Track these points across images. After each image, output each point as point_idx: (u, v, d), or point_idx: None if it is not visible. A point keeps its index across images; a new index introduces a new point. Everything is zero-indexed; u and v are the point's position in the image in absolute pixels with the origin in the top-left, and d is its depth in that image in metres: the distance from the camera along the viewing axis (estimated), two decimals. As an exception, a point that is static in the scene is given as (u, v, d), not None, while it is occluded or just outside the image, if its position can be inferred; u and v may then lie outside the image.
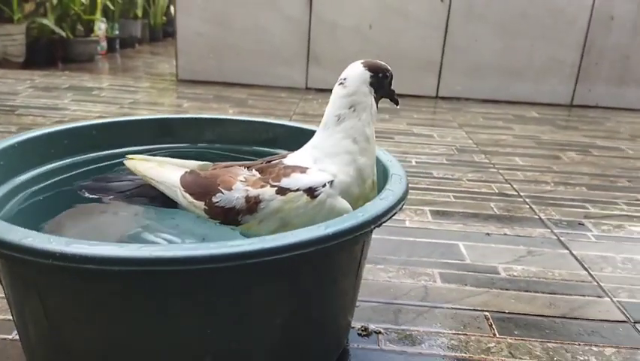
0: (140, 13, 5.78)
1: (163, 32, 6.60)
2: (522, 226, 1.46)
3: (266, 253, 0.56)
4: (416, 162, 1.97)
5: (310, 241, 0.59)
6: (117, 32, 5.22)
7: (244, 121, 1.12)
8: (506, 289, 1.13)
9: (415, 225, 1.42)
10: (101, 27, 4.74)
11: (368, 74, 0.84)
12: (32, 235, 0.56)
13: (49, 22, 3.99)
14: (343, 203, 0.78)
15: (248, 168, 0.84)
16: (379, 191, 0.79)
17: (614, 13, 3.15)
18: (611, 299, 1.12)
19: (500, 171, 1.93)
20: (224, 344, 0.66)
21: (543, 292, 1.13)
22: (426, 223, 1.44)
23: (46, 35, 4.04)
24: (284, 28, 3.26)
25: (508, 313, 1.04)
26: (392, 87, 0.88)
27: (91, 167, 0.97)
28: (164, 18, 6.60)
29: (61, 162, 0.96)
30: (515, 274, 1.19)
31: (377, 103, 0.86)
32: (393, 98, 0.91)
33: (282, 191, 0.77)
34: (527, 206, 1.60)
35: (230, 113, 2.53)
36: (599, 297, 1.13)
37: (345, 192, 0.79)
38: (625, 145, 2.42)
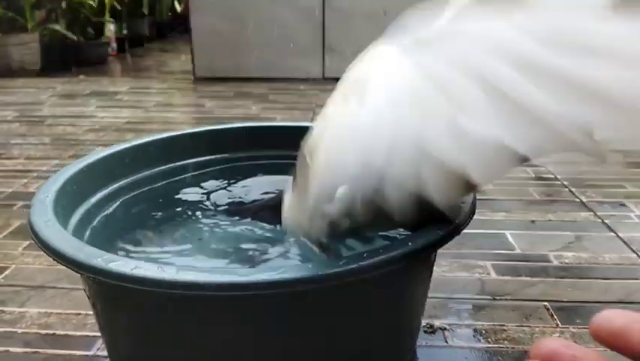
0: (146, 11, 5.77)
1: (170, 28, 6.60)
2: (565, 210, 1.47)
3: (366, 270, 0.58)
4: (447, 150, 1.98)
5: (403, 255, 0.61)
6: (126, 32, 5.23)
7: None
8: (561, 278, 1.14)
9: (459, 216, 1.43)
10: (110, 28, 4.76)
11: None
12: (141, 265, 0.58)
13: (60, 27, 4.01)
14: None
15: None
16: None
17: None
18: (665, 281, 1.13)
19: (532, 153, 1.93)
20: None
21: (597, 278, 1.14)
22: (469, 214, 1.45)
23: (59, 41, 4.07)
24: (297, 19, 3.25)
25: (567, 301, 1.06)
26: None
27: (159, 183, 0.98)
28: (170, 14, 6.59)
29: (127, 180, 0.97)
30: (567, 261, 1.21)
31: None
32: None
33: None
34: (566, 189, 1.61)
35: (254, 110, 2.55)
36: (652, 280, 1.14)
37: None
38: (652, 118, 2.40)
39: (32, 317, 1.00)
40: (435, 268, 1.20)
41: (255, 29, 3.27)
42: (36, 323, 0.98)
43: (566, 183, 1.66)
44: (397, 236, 0.81)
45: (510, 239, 1.31)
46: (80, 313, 1.00)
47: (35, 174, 1.70)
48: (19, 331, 0.96)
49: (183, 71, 3.81)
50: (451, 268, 1.18)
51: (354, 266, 0.59)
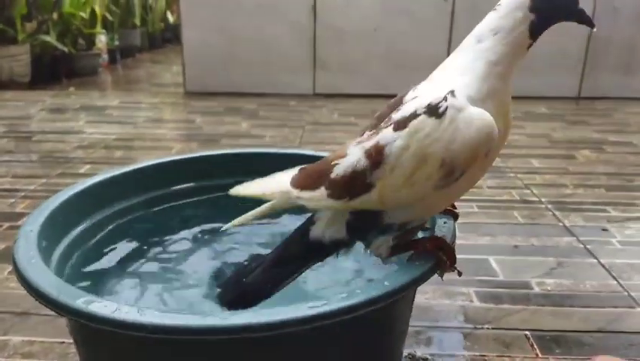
0: (138, 22, 5.78)
1: (162, 39, 6.61)
2: (548, 235, 1.49)
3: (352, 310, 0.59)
4: (434, 170, 2.00)
5: (380, 298, 0.62)
6: (117, 43, 5.24)
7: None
8: (542, 305, 1.16)
9: (444, 240, 1.45)
10: (102, 39, 4.76)
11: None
12: (122, 307, 0.58)
13: (51, 38, 4.01)
14: (480, 112, 0.64)
15: (370, 130, 0.71)
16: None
17: (617, 4, 3.17)
18: (644, 309, 1.15)
19: (518, 175, 1.95)
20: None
21: (578, 306, 1.16)
22: (454, 238, 1.46)
23: (49, 52, 4.07)
24: (289, 36, 3.28)
25: (547, 330, 1.08)
26: (579, 5, 0.69)
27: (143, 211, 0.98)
28: (162, 25, 6.60)
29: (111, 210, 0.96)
30: (549, 288, 1.22)
31: (538, 32, 0.69)
32: (584, 18, 0.69)
33: (400, 125, 0.65)
34: (550, 213, 1.63)
35: (244, 127, 2.56)
36: (631, 308, 1.16)
37: (477, 102, 0.65)
38: (636, 139, 2.44)
39: (15, 345, 1.00)
40: (418, 295, 1.21)
41: (246, 45, 3.28)
42: (19, 351, 0.98)
43: (550, 206, 1.68)
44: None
45: (494, 265, 1.33)
46: (63, 342, 1.00)
47: (22, 194, 1.70)
48: (2, 360, 0.96)
49: (174, 83, 3.82)
50: (434, 295, 1.19)
51: (330, 309, 0.60)
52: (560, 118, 2.85)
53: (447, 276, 1.27)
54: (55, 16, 4.16)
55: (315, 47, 3.28)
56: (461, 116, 0.63)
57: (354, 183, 0.67)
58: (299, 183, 0.72)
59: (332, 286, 0.86)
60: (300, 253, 0.75)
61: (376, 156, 0.65)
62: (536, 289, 1.22)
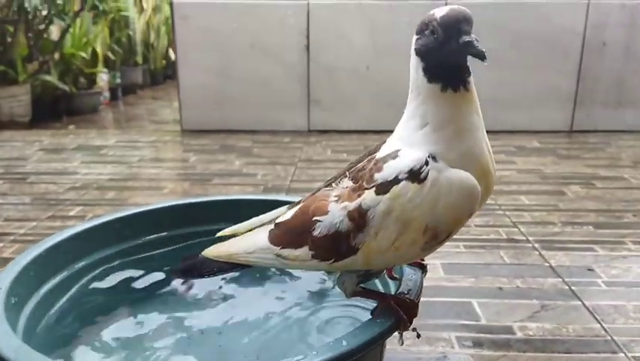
0: (140, 60, 5.90)
1: (164, 76, 6.72)
2: (533, 276, 1.48)
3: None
4: (423, 209, 2.00)
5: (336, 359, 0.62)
6: (119, 81, 5.33)
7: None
8: (523, 352, 1.15)
9: (428, 282, 1.44)
10: (103, 78, 4.85)
11: (414, 38, 0.66)
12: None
13: (52, 78, 4.09)
14: (460, 174, 0.63)
15: (337, 181, 0.70)
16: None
17: (606, 40, 3.22)
18: (625, 355, 1.14)
19: (507, 212, 1.96)
20: None
21: (559, 352, 1.15)
22: (438, 280, 1.46)
23: (50, 91, 4.15)
24: (283, 75, 3.33)
25: (527, 378, 1.07)
26: (462, 38, 0.60)
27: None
28: (164, 62, 6.72)
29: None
30: (531, 333, 1.22)
31: (433, 75, 0.64)
32: (472, 52, 0.60)
33: (381, 189, 0.64)
34: (537, 252, 1.63)
35: (237, 165, 2.58)
36: (613, 353, 1.15)
37: (458, 163, 0.64)
38: (628, 173, 2.45)
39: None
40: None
41: (241, 84, 3.34)
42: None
43: (537, 245, 1.68)
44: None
45: (476, 308, 1.32)
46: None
47: (12, 238, 1.71)
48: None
49: (173, 120, 3.87)
50: (414, 342, 1.19)
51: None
52: (552, 152, 2.86)
53: (429, 321, 1.27)
54: (56, 56, 4.25)
55: (309, 85, 3.33)
56: (442, 180, 0.63)
57: (339, 245, 0.66)
58: (279, 240, 0.70)
59: (294, 344, 0.86)
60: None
61: (359, 220, 0.64)
62: (518, 334, 1.21)
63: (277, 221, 0.73)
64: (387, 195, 0.64)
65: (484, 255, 1.62)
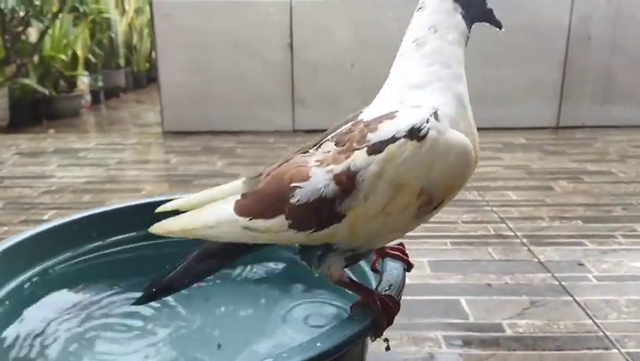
0: (122, 62, 5.81)
1: (147, 78, 6.63)
2: (522, 272, 1.44)
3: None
4: (409, 206, 1.95)
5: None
6: (101, 84, 5.23)
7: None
8: (513, 350, 1.10)
9: (414, 280, 1.40)
10: (84, 81, 4.76)
11: None
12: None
13: (31, 81, 3.99)
14: (460, 137, 0.61)
15: (316, 147, 0.65)
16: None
17: (592, 34, 3.20)
18: (619, 350, 1.09)
19: (494, 208, 1.92)
20: None
21: (550, 350, 1.10)
22: (425, 278, 1.41)
23: (29, 95, 4.05)
24: (267, 73, 3.27)
25: (518, 377, 1.02)
26: (487, 5, 0.69)
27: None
28: (147, 64, 6.64)
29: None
30: (521, 330, 1.17)
31: (469, 28, 0.67)
32: (493, 18, 0.69)
33: (376, 149, 0.59)
34: (525, 248, 1.59)
35: (219, 166, 2.52)
36: (606, 349, 1.10)
37: (454, 125, 0.62)
38: (615, 168, 2.42)
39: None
40: (383, 342, 1.15)
41: (224, 83, 3.28)
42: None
43: (525, 241, 1.63)
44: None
45: (464, 306, 1.27)
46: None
47: (-20, 243, 1.64)
48: None
49: (157, 123, 3.78)
50: (400, 342, 1.13)
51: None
52: (539, 148, 2.83)
53: (415, 320, 1.21)
54: (35, 59, 4.15)
55: (293, 83, 3.28)
56: (442, 140, 0.59)
57: (322, 212, 0.60)
58: (248, 210, 0.63)
59: (266, 342, 0.80)
60: (225, 251, 0.68)
61: (347, 183, 0.59)
62: (508, 332, 1.16)
63: (242, 193, 0.66)
64: (381, 155, 0.59)
65: (471, 251, 1.58)
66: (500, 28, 0.70)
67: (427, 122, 0.60)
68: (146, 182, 2.27)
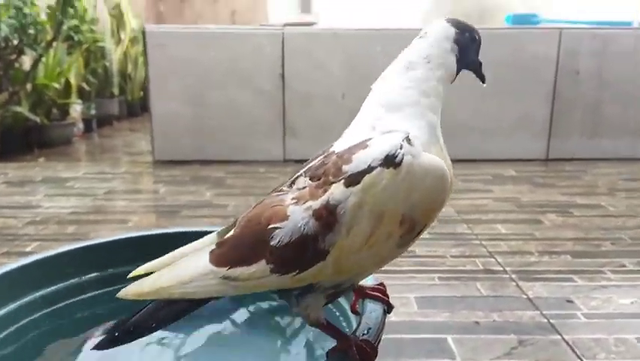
0: (116, 91, 5.82)
1: (141, 107, 6.65)
2: (511, 309, 1.42)
3: None
4: (398, 239, 1.94)
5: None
6: (94, 112, 5.23)
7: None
8: (500, 393, 1.07)
9: (401, 317, 1.37)
10: (76, 109, 4.76)
11: (453, 30, 0.70)
12: None
13: (23, 109, 3.99)
14: (434, 159, 0.61)
15: (289, 184, 0.65)
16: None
17: (580, 68, 3.24)
18: (609, 393, 1.07)
19: (483, 242, 1.90)
20: None
21: (538, 392, 1.08)
22: (412, 315, 1.39)
23: (21, 123, 4.03)
24: (258, 103, 3.29)
25: (504, 422, 0.99)
26: (479, 57, 0.74)
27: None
28: (142, 93, 6.66)
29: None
30: (508, 371, 1.14)
31: (457, 72, 0.71)
32: (480, 71, 0.75)
33: (353, 180, 0.59)
34: (514, 283, 1.57)
35: (208, 196, 2.50)
36: (596, 391, 1.08)
37: (426, 149, 0.62)
38: (605, 201, 2.42)
39: None
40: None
41: (215, 113, 3.28)
42: None
43: (514, 276, 1.62)
44: None
45: (451, 345, 1.24)
46: None
47: (-41, 276, 1.60)
48: None
49: (149, 151, 3.77)
50: (384, 383, 1.10)
51: None
52: (528, 181, 2.84)
53: (401, 360, 1.18)
54: (28, 86, 4.16)
55: (285, 114, 3.29)
56: (416, 164, 0.59)
57: (305, 252, 0.58)
58: (225, 259, 0.61)
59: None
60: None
61: (328, 217, 0.58)
62: (495, 373, 1.14)
63: (216, 242, 0.64)
64: (359, 186, 0.58)
65: (459, 287, 1.56)
66: (484, 82, 0.76)
67: (401, 147, 0.60)
68: (133, 213, 2.24)
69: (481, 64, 0.75)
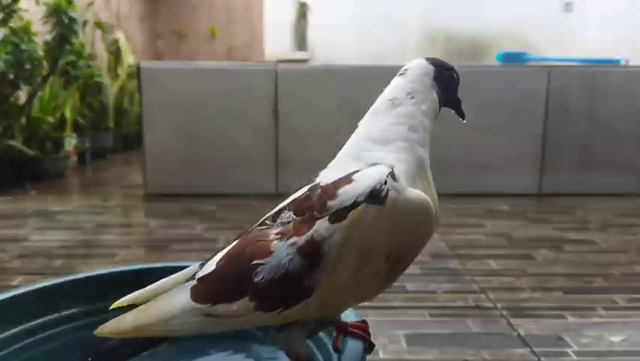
0: (111, 124, 5.85)
1: (136, 140, 6.67)
2: (501, 346, 1.39)
3: None
4: (389, 275, 1.92)
5: None
6: (88, 145, 5.24)
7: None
8: None
9: (390, 355, 1.34)
10: (71, 142, 4.76)
11: (432, 67, 0.72)
12: None
13: (16, 142, 3.99)
14: (418, 194, 0.61)
15: (273, 219, 0.64)
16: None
17: (569, 105, 3.29)
18: None
19: (475, 278, 1.88)
20: None
21: None
22: (401, 353, 1.36)
23: (14, 156, 4.03)
24: (251, 137, 3.30)
25: None
26: (458, 95, 0.76)
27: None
28: (137, 126, 6.69)
29: None
30: (497, 412, 1.11)
31: (439, 109, 0.73)
32: (459, 108, 0.77)
33: (338, 216, 0.58)
34: (505, 320, 1.54)
35: (198, 230, 2.48)
36: None
37: (411, 182, 0.62)
38: (597, 237, 2.41)
39: None
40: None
41: (208, 147, 3.30)
42: None
43: (505, 313, 1.59)
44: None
45: (440, 385, 1.22)
46: None
47: (-60, 311, 1.57)
48: None
49: (142, 185, 3.77)
50: (371, 424, 1.07)
51: None
52: (521, 215, 2.83)
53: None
54: (23, 120, 4.17)
55: (278, 148, 3.31)
56: (401, 199, 0.58)
57: (289, 289, 0.57)
58: (207, 296, 0.59)
59: None
60: None
61: (313, 254, 0.57)
62: (484, 414, 1.11)
63: (199, 275, 0.62)
64: (345, 223, 0.58)
65: (450, 324, 1.53)
66: (463, 119, 0.79)
67: (385, 183, 0.60)
68: (122, 247, 2.22)
69: (460, 101, 0.77)
